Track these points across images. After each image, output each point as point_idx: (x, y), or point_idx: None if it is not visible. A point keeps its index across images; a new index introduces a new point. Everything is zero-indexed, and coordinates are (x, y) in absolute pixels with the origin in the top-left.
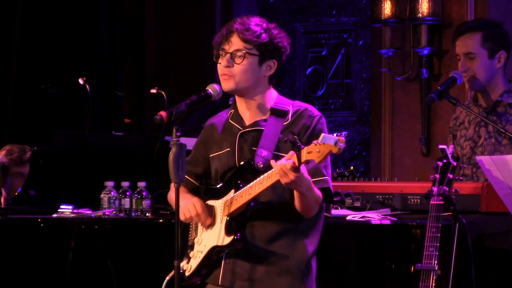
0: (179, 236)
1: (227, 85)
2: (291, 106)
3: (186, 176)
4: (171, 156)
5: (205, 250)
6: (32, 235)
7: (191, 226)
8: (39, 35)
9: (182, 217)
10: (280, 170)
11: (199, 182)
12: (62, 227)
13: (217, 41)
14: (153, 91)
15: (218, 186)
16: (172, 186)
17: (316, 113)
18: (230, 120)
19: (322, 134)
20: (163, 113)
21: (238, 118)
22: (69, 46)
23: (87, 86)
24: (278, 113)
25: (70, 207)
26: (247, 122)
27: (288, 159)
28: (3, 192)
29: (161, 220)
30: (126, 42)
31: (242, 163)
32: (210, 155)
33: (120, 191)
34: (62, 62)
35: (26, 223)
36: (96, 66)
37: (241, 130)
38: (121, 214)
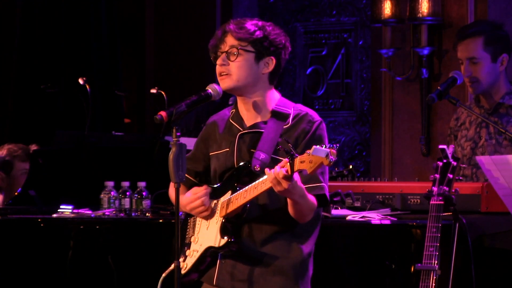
0: (179, 236)
1: (225, 83)
2: (292, 109)
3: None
4: (171, 156)
5: (201, 250)
6: (32, 235)
7: (188, 224)
8: (39, 35)
9: (188, 209)
10: (273, 179)
11: (199, 180)
12: (62, 227)
13: (213, 44)
14: (153, 91)
15: (215, 185)
16: (172, 184)
17: (316, 118)
18: (230, 120)
19: (314, 147)
20: (163, 113)
21: (238, 118)
22: (69, 46)
23: (87, 86)
24: (278, 115)
25: (70, 207)
26: (247, 123)
27: (282, 167)
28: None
29: (161, 220)
30: (126, 42)
31: (240, 164)
32: (210, 153)
33: (120, 191)
34: (62, 62)
35: (26, 223)
36: (96, 66)
37: (241, 131)
38: (121, 214)
